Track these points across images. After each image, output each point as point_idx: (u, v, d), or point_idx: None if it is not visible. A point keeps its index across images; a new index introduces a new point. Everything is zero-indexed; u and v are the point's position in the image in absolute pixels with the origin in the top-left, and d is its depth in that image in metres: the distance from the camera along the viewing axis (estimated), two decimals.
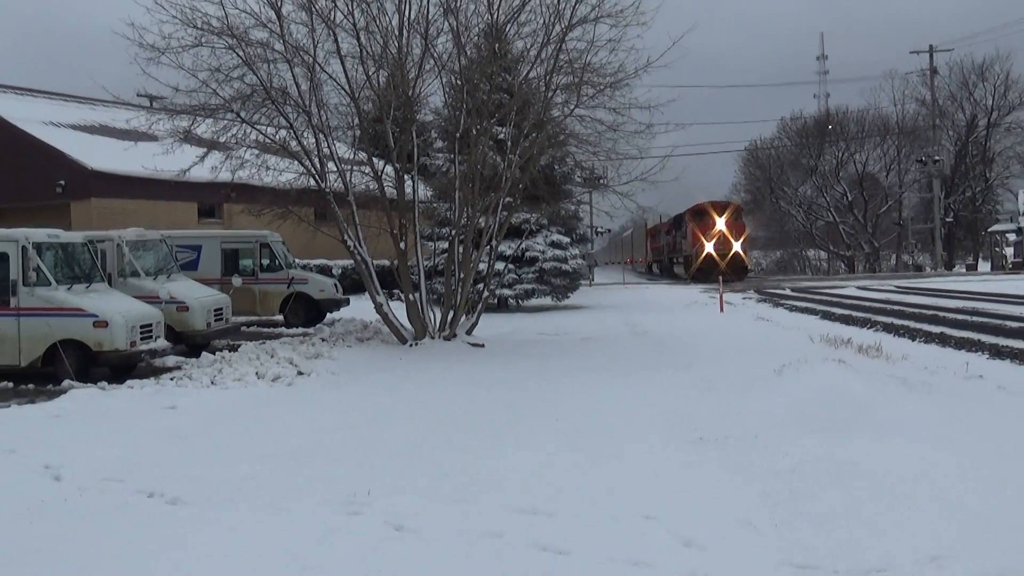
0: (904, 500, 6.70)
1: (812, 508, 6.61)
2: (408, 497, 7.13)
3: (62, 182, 30.95)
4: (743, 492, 7.07)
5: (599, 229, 65.17)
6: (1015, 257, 68.19)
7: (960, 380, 12.49)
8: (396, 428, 10.28)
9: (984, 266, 73.66)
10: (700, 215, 57.23)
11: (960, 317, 22.39)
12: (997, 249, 73.04)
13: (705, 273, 52.25)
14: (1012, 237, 70.08)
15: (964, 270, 70.77)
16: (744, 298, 35.32)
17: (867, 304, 29.54)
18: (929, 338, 18.18)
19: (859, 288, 41.96)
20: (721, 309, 28.55)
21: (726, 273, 47.45)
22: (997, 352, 15.30)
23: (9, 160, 32.48)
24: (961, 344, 16.70)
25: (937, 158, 69.23)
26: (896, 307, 27.32)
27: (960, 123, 78.12)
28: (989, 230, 75.73)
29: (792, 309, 28.89)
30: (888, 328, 20.46)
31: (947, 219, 72.99)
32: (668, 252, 69.49)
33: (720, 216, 55.88)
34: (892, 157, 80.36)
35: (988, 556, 5.44)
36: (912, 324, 20.97)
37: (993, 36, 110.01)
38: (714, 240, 54.83)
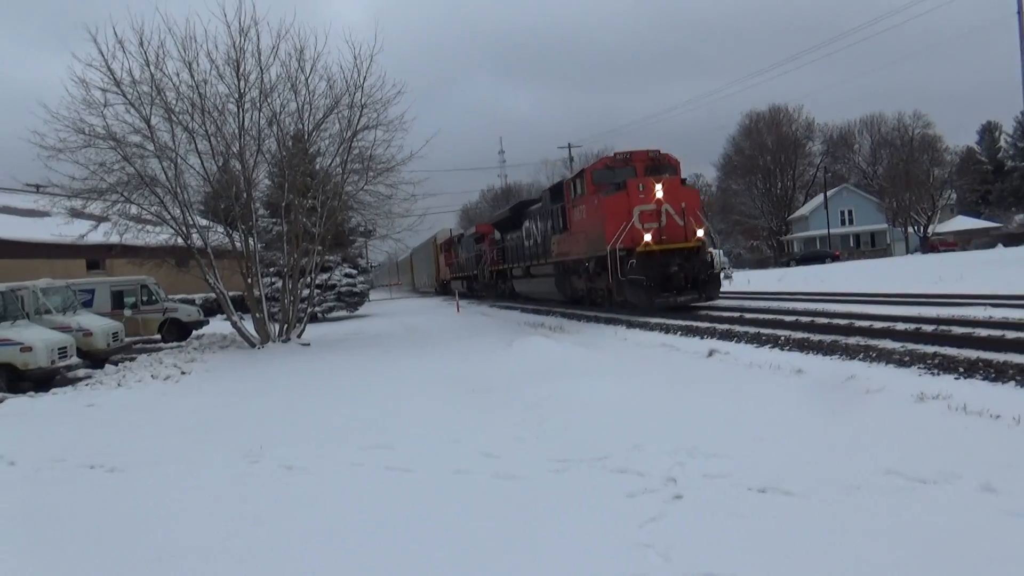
0: (606, 415, 7.00)
1: (555, 426, 6.75)
2: (290, 448, 6.71)
3: None
4: (511, 420, 7.13)
5: (372, 264, 58.91)
6: None
7: (616, 342, 13.23)
8: (265, 402, 9.67)
9: None
10: (611, 174, 17.49)
11: (599, 311, 23.66)
12: None
13: (643, 290, 15.87)
14: None
15: None
16: (468, 303, 35.69)
17: (532, 303, 30.46)
18: (588, 319, 19.08)
19: None
20: (457, 310, 28.80)
21: (685, 287, 16.13)
22: (631, 325, 16.28)
23: None
24: (608, 322, 17.64)
25: None
26: (566, 307, 28.42)
27: None
28: None
29: (502, 307, 29.51)
30: (563, 315, 21.31)
31: None
32: (494, 262, 31.55)
33: (659, 180, 16.38)
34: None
35: (669, 442, 5.76)
36: (577, 311, 21.95)
37: (603, 138, 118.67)
38: (656, 224, 16.13)
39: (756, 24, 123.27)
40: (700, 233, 16.59)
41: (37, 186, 22.22)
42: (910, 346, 8.87)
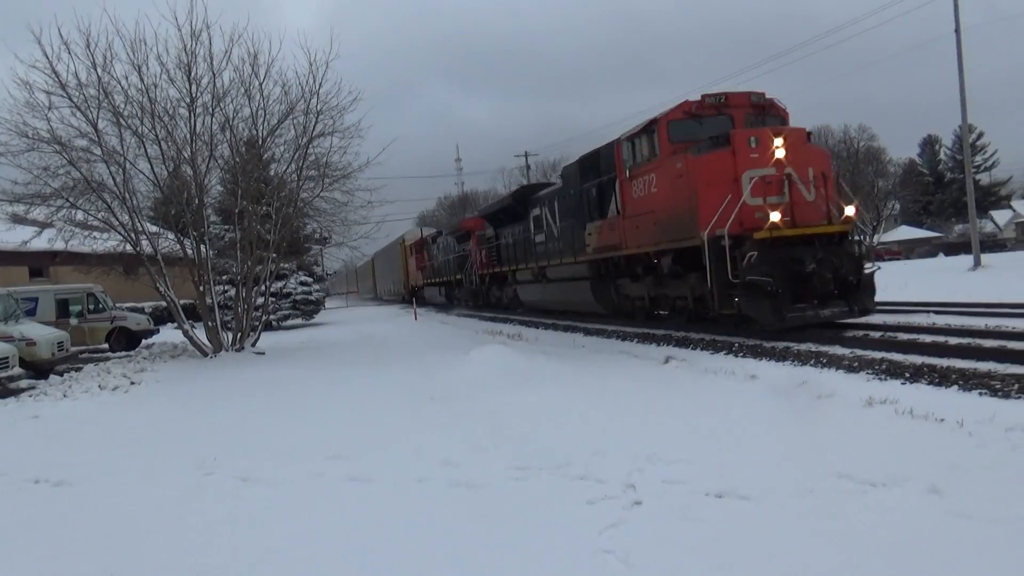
0: (566, 422, 7.02)
1: (514, 433, 6.76)
2: (246, 459, 6.58)
3: None
4: (471, 428, 7.11)
5: (328, 272, 55.78)
6: None
7: (575, 349, 13.31)
8: (218, 412, 9.45)
9: None
10: (698, 127, 11.88)
11: (558, 318, 23.77)
12: None
13: (767, 300, 10.35)
14: None
15: None
16: (425, 310, 35.48)
17: (502, 312, 30.43)
18: (546, 327, 19.17)
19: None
20: (415, 318, 28.64)
21: (830, 294, 10.69)
22: (588, 332, 16.38)
23: None
24: (567, 329, 17.73)
25: None
26: (518, 313, 28.47)
27: None
28: None
29: (460, 315, 29.42)
30: (521, 323, 21.37)
31: None
32: (485, 264, 25.81)
33: (778, 133, 10.84)
34: None
35: (629, 448, 5.82)
36: (534, 319, 22.03)
37: (559, 147, 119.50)
38: (780, 198, 10.74)
39: (712, 36, 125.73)
40: (850, 211, 11.09)
41: None
42: (858, 352, 9.13)
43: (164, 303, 17.80)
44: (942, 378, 7.30)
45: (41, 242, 16.34)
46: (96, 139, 15.36)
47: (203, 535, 4.66)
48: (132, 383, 12.96)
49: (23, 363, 13.99)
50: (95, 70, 15.02)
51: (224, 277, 20.87)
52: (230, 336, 17.24)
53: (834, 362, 8.73)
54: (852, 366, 8.40)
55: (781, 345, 10.35)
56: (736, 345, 10.97)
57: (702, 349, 11.31)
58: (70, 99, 15.04)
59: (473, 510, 4.76)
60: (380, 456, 6.30)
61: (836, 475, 4.79)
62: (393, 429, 7.46)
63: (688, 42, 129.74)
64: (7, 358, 12.97)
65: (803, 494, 4.54)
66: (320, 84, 16.33)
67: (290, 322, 29.64)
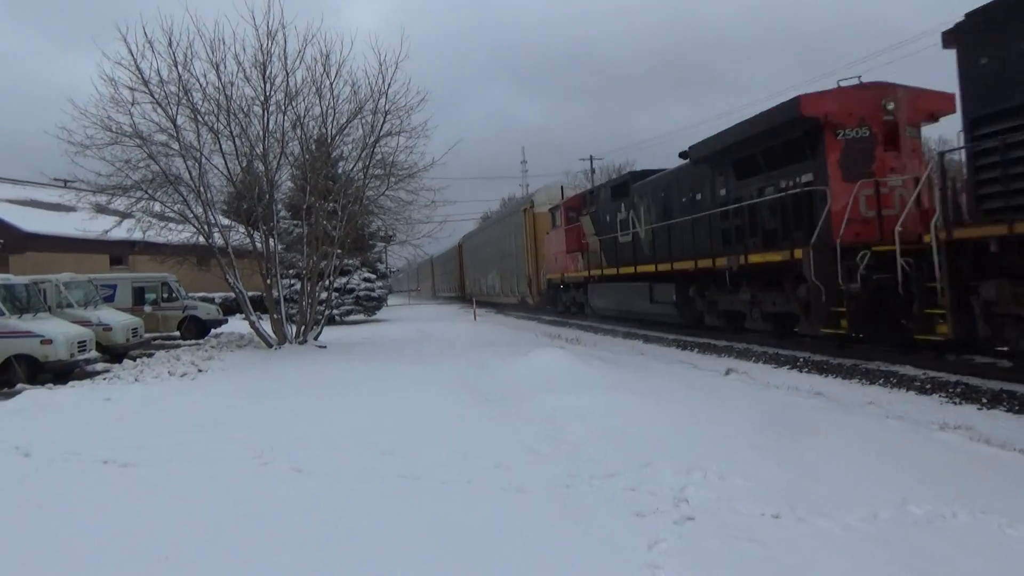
0: (620, 430, 6.89)
1: (569, 439, 6.66)
2: (302, 450, 6.69)
3: (1, 241, 27.44)
4: (524, 431, 7.04)
5: (391, 269, 54.63)
6: None
7: (633, 356, 13.14)
8: (278, 403, 9.61)
9: None
10: None
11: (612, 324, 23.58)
12: None
13: None
14: None
15: None
16: (486, 311, 35.61)
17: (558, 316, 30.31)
18: (605, 332, 19.07)
19: None
20: (475, 318, 28.78)
21: None
22: (647, 339, 16.22)
23: None
24: (627, 336, 17.61)
25: None
26: (573, 318, 28.27)
27: None
28: None
29: (518, 316, 29.51)
30: (580, 327, 21.31)
31: None
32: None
33: None
34: None
35: (682, 461, 5.69)
36: (594, 324, 21.91)
37: (624, 152, 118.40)
38: None
39: (776, 44, 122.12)
40: None
41: (64, 181, 22.66)
42: (931, 373, 8.74)
43: (233, 294, 18.37)
44: (1022, 406, 6.92)
45: (121, 232, 17.06)
46: (175, 134, 15.99)
47: (259, 521, 4.75)
48: (199, 370, 13.39)
49: (99, 347, 14.66)
50: (176, 68, 15.65)
51: (290, 271, 21.38)
52: (294, 329, 17.66)
53: (905, 383, 8.38)
54: (924, 388, 8.05)
55: (848, 362, 10.00)
56: (801, 360, 10.65)
57: (764, 363, 11.02)
58: (152, 95, 15.70)
59: (521, 516, 4.71)
60: (431, 455, 6.30)
61: (902, 501, 4.58)
62: (447, 428, 7.46)
63: (750, 50, 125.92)
64: (85, 341, 13.59)
65: (866, 519, 4.34)
66: (389, 84, 16.60)
67: (352, 317, 30.17)
